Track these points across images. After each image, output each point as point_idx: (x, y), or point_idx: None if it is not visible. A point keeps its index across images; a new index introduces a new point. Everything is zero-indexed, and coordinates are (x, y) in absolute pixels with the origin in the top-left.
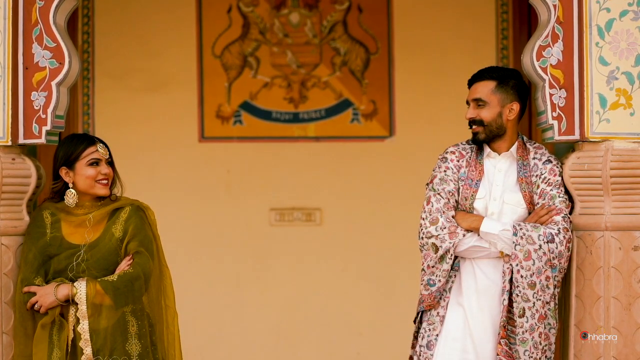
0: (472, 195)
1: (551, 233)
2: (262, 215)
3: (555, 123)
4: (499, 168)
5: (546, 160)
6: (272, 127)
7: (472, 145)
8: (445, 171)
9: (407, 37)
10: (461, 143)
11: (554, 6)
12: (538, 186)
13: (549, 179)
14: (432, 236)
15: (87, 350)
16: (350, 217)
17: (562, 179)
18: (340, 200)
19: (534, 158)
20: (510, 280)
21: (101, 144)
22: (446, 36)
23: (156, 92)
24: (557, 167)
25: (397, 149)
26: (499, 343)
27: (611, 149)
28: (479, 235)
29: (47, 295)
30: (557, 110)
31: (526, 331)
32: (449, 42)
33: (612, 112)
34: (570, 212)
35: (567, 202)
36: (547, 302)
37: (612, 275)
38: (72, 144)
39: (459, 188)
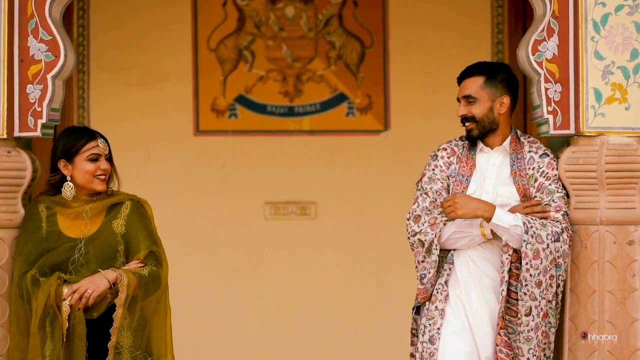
0: (463, 191)
1: (557, 232)
2: (257, 209)
3: (551, 117)
4: (492, 162)
5: (543, 154)
6: (267, 121)
7: (465, 141)
8: (434, 170)
9: (402, 32)
10: (454, 139)
11: (550, 0)
12: (536, 179)
13: (547, 173)
14: (416, 233)
15: (114, 338)
16: (345, 211)
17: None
18: (335, 194)
19: (529, 151)
20: (509, 271)
21: (102, 139)
22: (441, 30)
23: (151, 86)
24: (554, 160)
25: (392, 143)
26: (499, 334)
27: (606, 144)
28: (488, 221)
29: (98, 283)
30: (553, 104)
31: (532, 329)
32: (444, 36)
33: (607, 107)
34: None
35: (566, 198)
36: (549, 301)
37: (606, 269)
38: (72, 137)
39: (449, 185)
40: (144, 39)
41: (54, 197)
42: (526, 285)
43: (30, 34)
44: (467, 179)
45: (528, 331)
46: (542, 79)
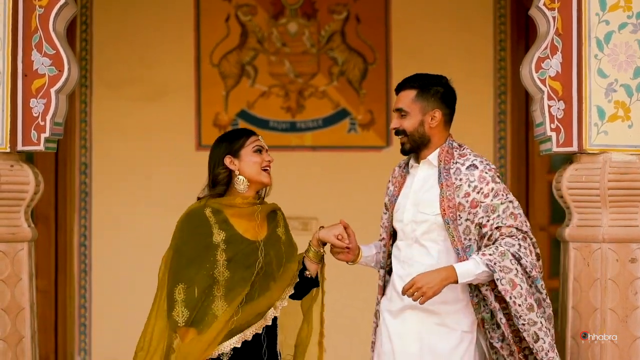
0: (394, 213)
1: (514, 252)
2: None
3: (554, 135)
4: (418, 177)
5: (470, 165)
6: (269, 136)
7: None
8: (387, 192)
9: (404, 48)
10: (408, 157)
11: (553, 18)
12: (468, 194)
13: (481, 189)
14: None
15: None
16: None
17: (501, 181)
18: (337, 210)
19: (455, 162)
20: (497, 300)
21: (260, 136)
22: (444, 47)
23: (154, 101)
24: (486, 172)
25: (394, 159)
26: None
27: (609, 161)
28: (456, 283)
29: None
30: (556, 122)
31: (549, 351)
32: (447, 52)
33: (610, 124)
34: (568, 224)
35: (514, 204)
36: (543, 315)
37: (609, 287)
38: (234, 136)
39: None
40: (147, 54)
41: (221, 200)
42: (521, 316)
43: (34, 48)
44: (396, 198)
45: (546, 353)
46: (545, 96)
